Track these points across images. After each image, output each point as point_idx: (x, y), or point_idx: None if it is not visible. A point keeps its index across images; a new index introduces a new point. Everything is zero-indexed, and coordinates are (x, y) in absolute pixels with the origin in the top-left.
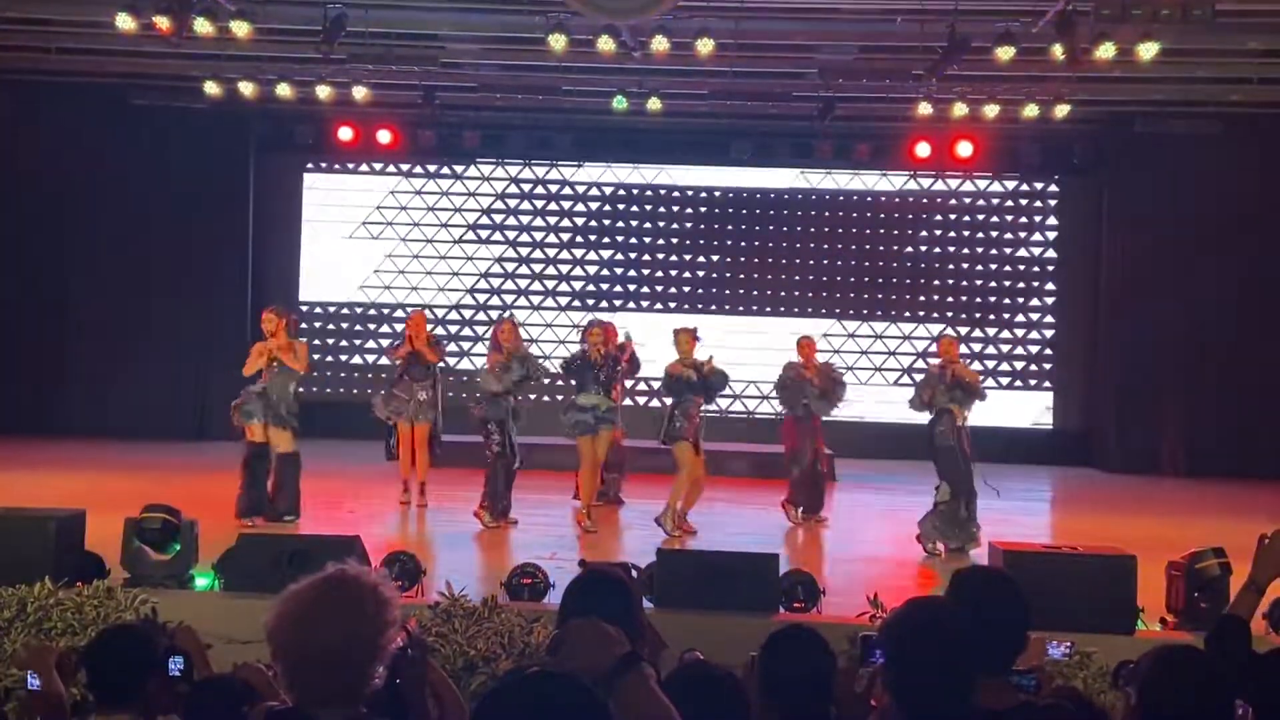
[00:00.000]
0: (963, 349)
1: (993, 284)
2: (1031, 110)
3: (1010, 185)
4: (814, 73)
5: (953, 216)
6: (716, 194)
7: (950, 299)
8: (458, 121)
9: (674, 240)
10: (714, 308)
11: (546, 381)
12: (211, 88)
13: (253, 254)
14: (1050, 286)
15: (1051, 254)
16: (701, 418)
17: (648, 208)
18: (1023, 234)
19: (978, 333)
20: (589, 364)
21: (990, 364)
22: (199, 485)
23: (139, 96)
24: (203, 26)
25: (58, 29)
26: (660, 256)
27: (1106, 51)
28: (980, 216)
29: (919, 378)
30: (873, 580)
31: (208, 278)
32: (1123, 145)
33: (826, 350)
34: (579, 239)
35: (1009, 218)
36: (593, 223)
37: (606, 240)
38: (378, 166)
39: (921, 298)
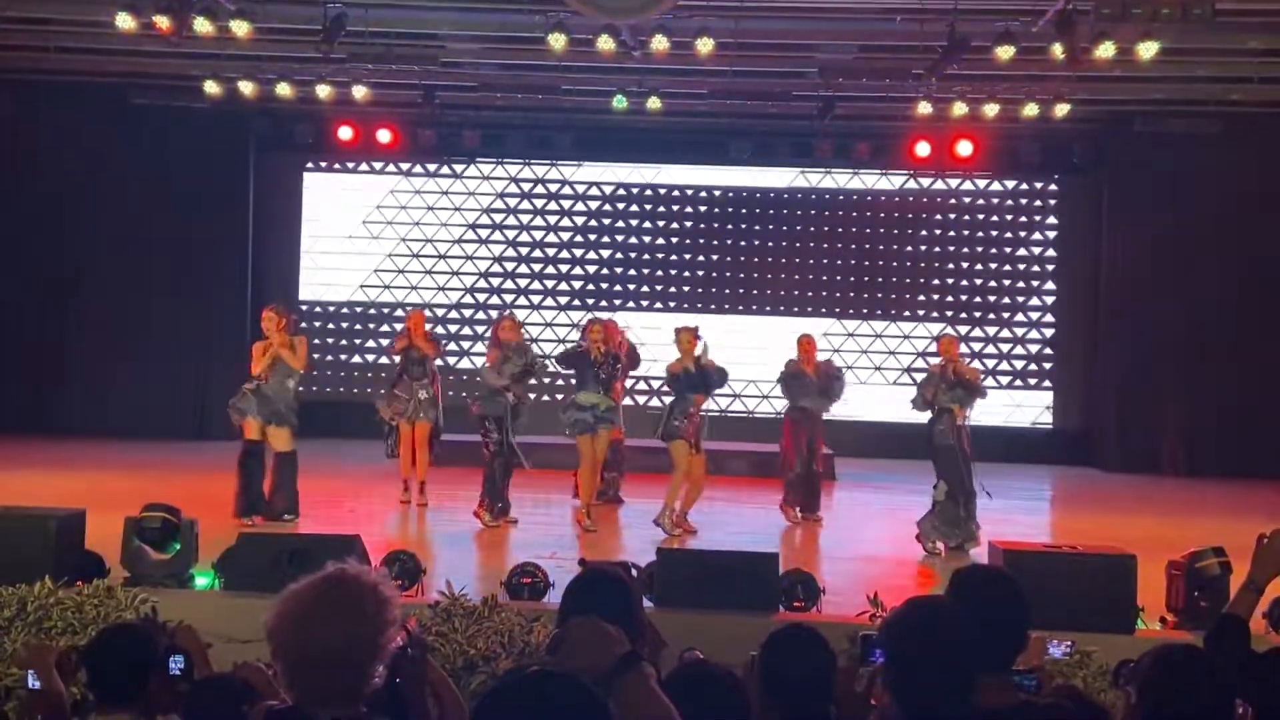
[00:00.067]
0: (963, 348)
1: (993, 284)
2: (1031, 109)
3: (1010, 185)
4: (814, 72)
5: (953, 216)
6: (716, 193)
7: (950, 298)
8: (457, 121)
9: (674, 240)
10: (714, 307)
11: (547, 380)
12: (211, 87)
13: (253, 253)
14: (1050, 286)
15: (1051, 254)
16: (703, 417)
17: (648, 207)
18: (1023, 234)
19: (978, 332)
20: (589, 361)
21: (990, 363)
22: (199, 484)
23: (139, 96)
24: (203, 26)
25: (58, 28)
26: (660, 256)
27: (1106, 51)
28: (980, 216)
29: (919, 377)
30: (873, 579)
31: (208, 277)
32: (1123, 145)
33: (827, 350)
34: (579, 239)
35: (1009, 217)
36: (593, 222)
37: (606, 240)
38: (378, 166)
39: (921, 297)
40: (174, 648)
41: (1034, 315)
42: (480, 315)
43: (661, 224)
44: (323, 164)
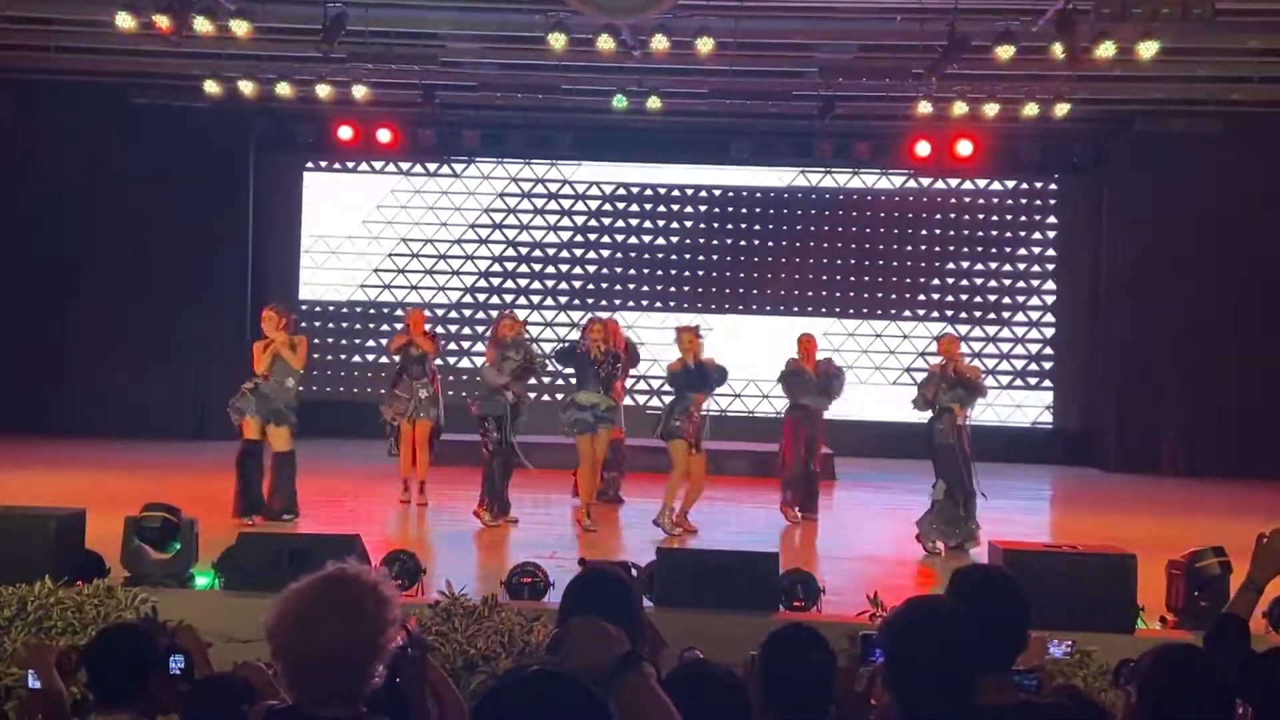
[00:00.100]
0: (963, 348)
1: (993, 283)
2: (1031, 109)
3: (1010, 184)
4: (814, 71)
5: (953, 216)
6: (716, 193)
7: (950, 298)
8: (457, 120)
9: (674, 240)
10: (714, 307)
11: (547, 380)
12: (211, 86)
13: (253, 253)
14: (1050, 286)
15: (1051, 254)
16: (704, 417)
17: (648, 207)
18: (1022, 233)
19: (978, 332)
20: (589, 360)
21: (990, 363)
22: (199, 484)
23: (139, 95)
24: (203, 25)
25: (58, 28)
26: (660, 256)
27: (1106, 50)
28: (980, 215)
29: (920, 377)
30: (873, 579)
31: (208, 277)
32: (1123, 144)
33: (827, 349)
34: (579, 238)
35: (1009, 217)
36: (593, 222)
37: (606, 240)
38: (378, 165)
39: (921, 297)
40: (174, 647)
41: (1034, 315)
42: (480, 315)
43: (662, 224)
44: (323, 164)
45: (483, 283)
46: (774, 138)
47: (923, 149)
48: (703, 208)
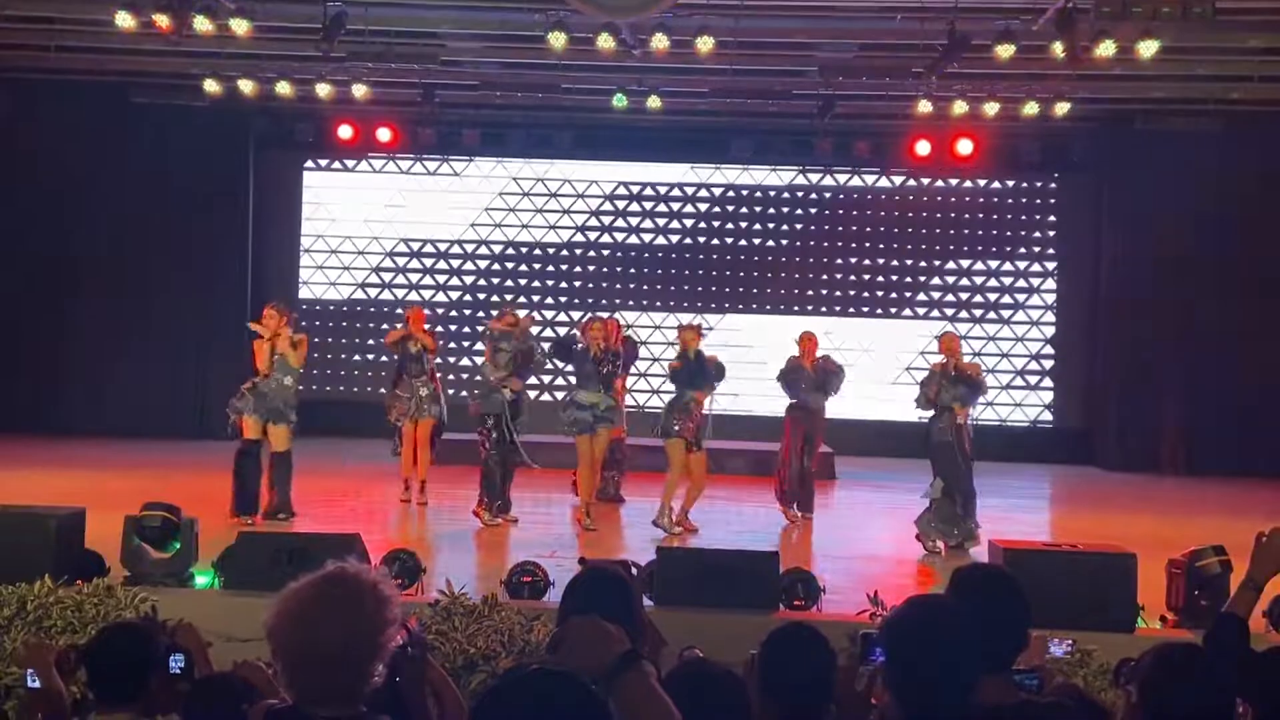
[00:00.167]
0: (963, 347)
1: (993, 282)
2: (1031, 108)
3: (1010, 183)
4: (814, 71)
5: (953, 215)
6: (716, 192)
7: (950, 297)
8: (457, 119)
9: (674, 239)
10: (714, 306)
11: (547, 379)
12: (211, 85)
13: (252, 252)
14: (1050, 285)
15: (1051, 253)
16: (705, 416)
17: (648, 206)
18: (1022, 233)
19: (978, 331)
20: (589, 358)
21: (991, 362)
22: (199, 483)
23: (139, 94)
24: (202, 24)
25: (58, 27)
26: (660, 256)
27: (1107, 49)
28: (980, 215)
29: (920, 376)
30: (873, 578)
31: (207, 276)
32: (1123, 143)
33: (828, 348)
34: (579, 237)
35: (1009, 216)
36: (592, 221)
37: (606, 239)
38: (377, 164)
39: (921, 296)
40: (174, 647)
41: (1034, 314)
42: (480, 314)
43: (662, 223)
44: (323, 162)
45: (483, 282)
46: (774, 137)
47: (923, 148)
48: (703, 207)
